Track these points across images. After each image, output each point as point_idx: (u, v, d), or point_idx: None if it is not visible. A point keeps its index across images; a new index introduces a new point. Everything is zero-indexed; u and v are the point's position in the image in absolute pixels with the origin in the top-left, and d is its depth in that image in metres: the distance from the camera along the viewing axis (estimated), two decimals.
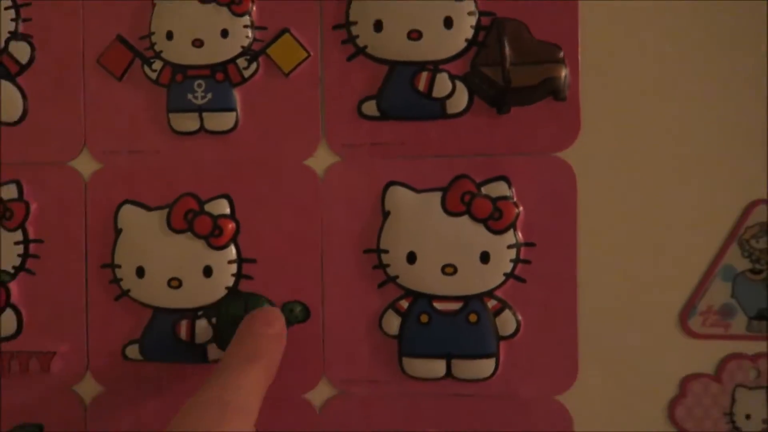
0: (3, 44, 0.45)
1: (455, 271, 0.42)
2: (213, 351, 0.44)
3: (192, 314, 0.44)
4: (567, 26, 0.42)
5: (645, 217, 0.42)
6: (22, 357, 0.46)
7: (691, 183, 0.41)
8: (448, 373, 0.43)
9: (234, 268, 0.44)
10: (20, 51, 0.45)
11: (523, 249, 0.42)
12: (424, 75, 0.43)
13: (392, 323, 0.43)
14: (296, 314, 0.44)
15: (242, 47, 0.44)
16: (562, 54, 0.42)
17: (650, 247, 0.42)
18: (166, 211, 0.44)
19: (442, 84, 0.42)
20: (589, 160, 0.42)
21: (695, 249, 0.42)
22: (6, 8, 0.45)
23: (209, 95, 0.44)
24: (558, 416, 0.43)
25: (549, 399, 0.43)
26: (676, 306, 0.42)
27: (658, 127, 0.42)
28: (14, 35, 0.46)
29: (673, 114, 0.42)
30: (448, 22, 0.42)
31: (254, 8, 0.44)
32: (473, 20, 0.42)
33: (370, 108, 0.43)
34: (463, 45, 0.42)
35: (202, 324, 0.44)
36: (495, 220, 0.42)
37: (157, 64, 0.44)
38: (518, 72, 0.42)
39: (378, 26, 0.43)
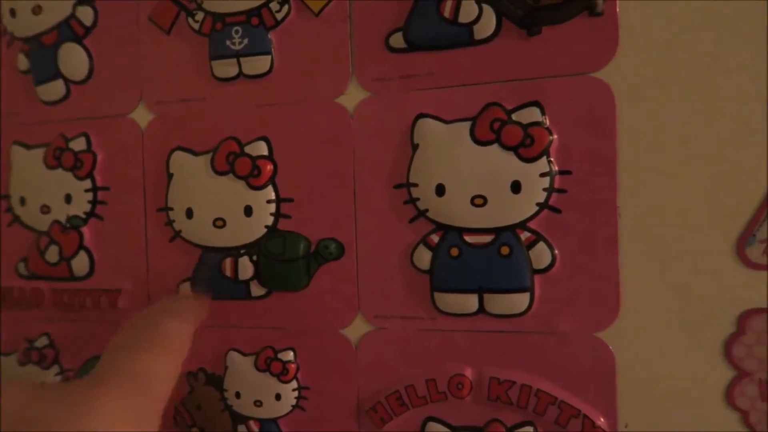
0: (71, 9, 0.49)
1: (485, 202, 0.41)
2: (255, 288, 0.46)
3: (235, 252, 0.46)
4: None
5: (693, 137, 0.38)
6: (94, 294, 0.50)
7: (746, 99, 0.37)
8: (481, 308, 0.41)
9: (272, 207, 0.45)
10: (85, 15, 0.50)
11: (558, 177, 0.40)
12: (450, 1, 0.41)
13: (423, 258, 0.43)
14: (331, 251, 0.44)
15: None
16: None
17: (700, 171, 0.38)
18: (210, 154, 0.46)
19: (468, 8, 0.41)
20: (629, 79, 0.39)
21: (752, 171, 0.37)
22: None
23: (246, 40, 0.45)
24: (599, 354, 0.40)
25: (589, 335, 0.40)
26: (732, 234, 0.38)
27: (705, 38, 0.37)
28: (80, 0, 0.49)
29: (723, 23, 0.37)
30: None
31: None
32: None
33: (398, 40, 0.43)
34: None
35: (244, 262, 0.46)
36: (526, 147, 0.40)
37: (199, 15, 0.47)
38: None
39: None
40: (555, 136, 0.40)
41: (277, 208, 0.45)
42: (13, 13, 0.51)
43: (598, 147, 0.40)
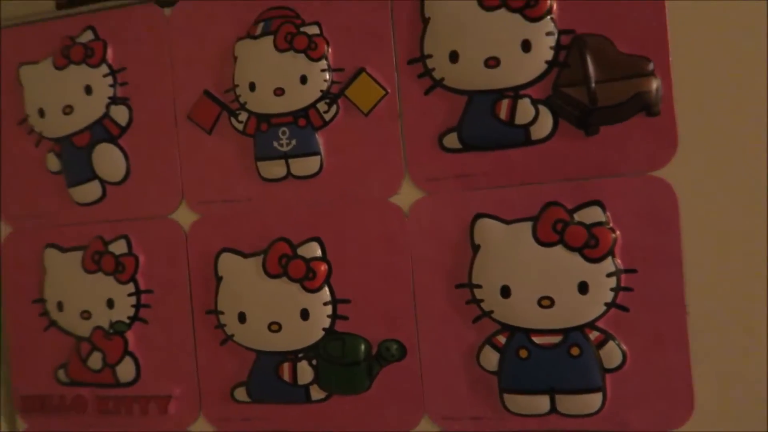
0: (104, 109, 0.48)
1: (552, 303, 0.41)
2: (316, 391, 0.45)
3: (293, 356, 0.45)
4: (655, 35, 0.39)
5: (754, 231, 0.38)
6: (142, 401, 0.48)
7: None
8: (553, 408, 0.41)
9: (329, 309, 0.45)
10: (120, 114, 0.48)
11: (623, 276, 0.40)
12: (505, 102, 0.41)
13: (490, 359, 0.42)
14: (393, 352, 0.44)
15: (321, 91, 0.44)
16: (651, 66, 0.39)
17: (764, 262, 0.38)
18: (261, 257, 0.45)
19: (525, 110, 0.41)
20: (690, 177, 0.39)
21: None
22: (104, 75, 0.48)
23: (293, 141, 0.45)
24: None
25: None
26: None
27: (762, 135, 0.38)
28: (113, 100, 0.48)
29: None
30: (526, 46, 0.41)
31: (330, 51, 0.44)
32: (552, 40, 0.40)
33: (452, 140, 0.43)
34: (543, 67, 0.41)
35: (303, 366, 0.45)
36: (591, 247, 0.40)
37: (243, 116, 0.46)
38: (605, 89, 0.40)
39: (454, 57, 0.42)
40: (618, 234, 0.40)
41: (334, 309, 0.45)
42: (41, 113, 0.49)
43: (662, 244, 0.40)
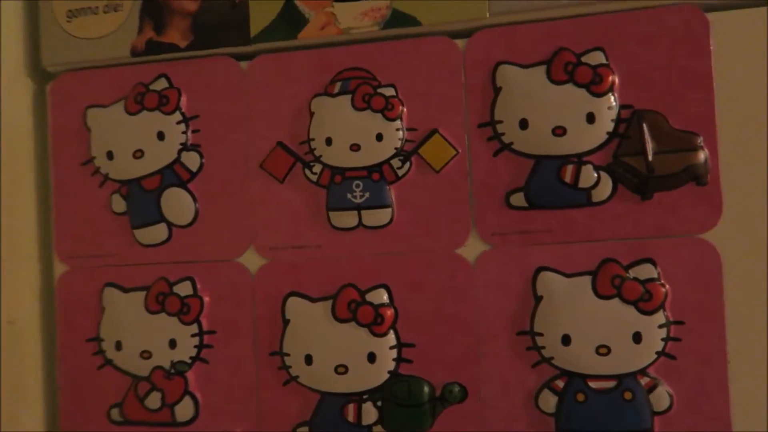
0: (176, 155, 0.50)
1: (609, 351, 0.44)
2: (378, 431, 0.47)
3: (358, 397, 0.47)
4: (704, 113, 0.45)
5: None
6: None
7: None
8: None
9: (395, 353, 0.47)
10: (191, 160, 0.50)
11: (672, 327, 0.45)
12: (570, 168, 0.46)
13: (549, 401, 0.46)
14: (455, 395, 0.47)
15: (395, 149, 0.47)
16: (701, 140, 0.45)
17: None
18: (329, 302, 0.48)
19: (588, 175, 0.45)
20: (733, 240, 0.44)
21: None
22: (177, 122, 0.50)
23: (367, 194, 0.48)
24: None
25: None
26: None
27: None
28: (185, 146, 0.50)
29: None
30: (591, 118, 0.45)
31: (404, 111, 0.48)
32: (613, 114, 0.45)
33: (519, 199, 0.46)
34: (604, 137, 0.45)
35: (368, 407, 0.47)
36: (645, 301, 0.44)
37: (317, 167, 0.48)
38: (660, 161, 0.45)
39: (524, 124, 0.46)
40: (668, 289, 0.45)
41: (399, 353, 0.47)
42: (110, 155, 0.51)
43: (707, 300, 0.45)
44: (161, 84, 0.51)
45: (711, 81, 0.45)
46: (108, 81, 0.52)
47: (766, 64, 0.44)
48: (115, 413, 0.51)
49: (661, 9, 0.46)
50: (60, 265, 0.53)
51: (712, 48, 0.45)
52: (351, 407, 0.47)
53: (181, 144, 0.50)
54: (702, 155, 0.44)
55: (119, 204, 0.51)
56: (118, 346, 0.50)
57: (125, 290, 0.51)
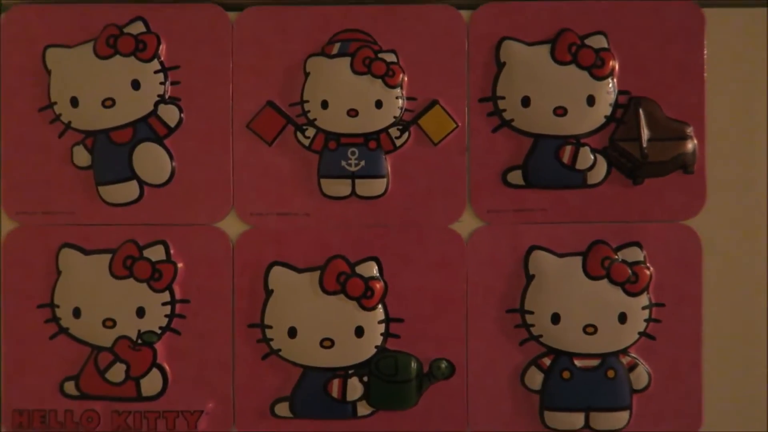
0: (152, 107, 0.46)
1: (596, 330, 0.45)
2: (362, 407, 0.46)
3: (343, 372, 0.46)
4: (695, 105, 0.46)
5: (765, 278, 0.46)
6: (169, 416, 0.46)
7: None
8: (586, 424, 0.46)
9: (383, 327, 0.46)
10: (169, 114, 0.46)
11: (654, 309, 0.46)
12: (569, 149, 0.46)
13: (535, 379, 0.46)
14: (443, 371, 0.46)
15: (394, 117, 0.46)
16: (690, 130, 0.46)
17: None
18: (317, 273, 0.46)
19: (585, 157, 0.46)
20: (714, 228, 0.46)
21: None
22: (155, 72, 0.46)
23: (362, 162, 0.46)
24: None
25: None
26: None
27: None
28: (163, 99, 0.46)
29: None
30: (591, 100, 0.46)
31: (405, 79, 0.46)
32: (611, 98, 0.46)
33: (516, 177, 0.46)
34: (602, 121, 0.46)
35: (353, 382, 0.46)
36: (632, 283, 0.46)
37: (310, 131, 0.46)
38: (654, 147, 0.46)
39: (526, 102, 0.46)
40: (652, 272, 0.46)
41: (387, 327, 0.46)
42: (74, 102, 0.46)
43: (686, 284, 0.47)
44: (138, 28, 0.46)
45: (703, 74, 0.46)
46: (72, 19, 0.47)
47: (757, 62, 0.46)
48: (69, 386, 0.46)
49: (661, 1, 0.46)
50: (7, 221, 0.47)
51: (705, 42, 0.46)
52: (336, 382, 0.46)
53: (159, 96, 0.46)
54: (691, 145, 0.46)
55: (82, 157, 0.46)
56: (76, 313, 0.46)
57: (86, 252, 0.46)
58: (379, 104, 0.46)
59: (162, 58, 0.46)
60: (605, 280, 0.46)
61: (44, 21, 0.47)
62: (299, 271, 0.46)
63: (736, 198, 0.47)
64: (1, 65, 0.47)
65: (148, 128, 0.46)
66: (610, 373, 0.46)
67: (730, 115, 0.47)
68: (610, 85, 0.46)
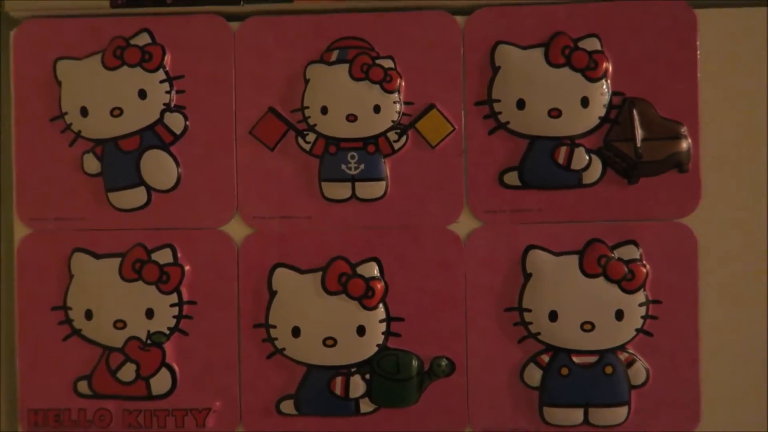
0: (159, 116, 0.47)
1: (593, 327, 0.46)
2: (365, 404, 0.47)
3: (346, 371, 0.47)
4: (688, 104, 0.47)
5: (760, 274, 0.47)
6: (178, 414, 0.48)
7: None
8: (585, 420, 0.47)
9: (384, 326, 0.47)
10: (174, 121, 0.48)
11: (650, 306, 0.47)
12: (564, 149, 0.47)
13: (534, 376, 0.47)
14: (443, 368, 0.47)
15: (392, 121, 0.47)
16: (684, 130, 0.47)
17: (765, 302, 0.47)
18: (319, 274, 0.47)
19: (580, 157, 0.47)
20: (709, 226, 0.47)
21: None
22: (161, 81, 0.48)
23: (362, 166, 0.47)
24: None
25: None
26: None
27: None
28: (168, 107, 0.48)
29: None
30: (585, 102, 0.46)
31: (402, 84, 0.47)
32: (605, 99, 0.47)
33: (512, 178, 0.47)
34: (596, 122, 0.47)
35: (356, 380, 0.47)
36: (628, 280, 0.46)
37: (311, 136, 0.47)
38: (648, 147, 0.47)
39: (521, 104, 0.47)
40: (648, 269, 0.47)
41: (388, 326, 0.47)
42: (84, 111, 0.47)
43: (683, 281, 0.47)
44: (143, 39, 0.48)
45: (696, 74, 0.47)
46: (81, 32, 0.49)
47: (750, 61, 0.47)
48: (82, 386, 0.48)
49: (653, 2, 0.47)
50: (21, 227, 0.49)
51: (698, 42, 0.47)
52: (339, 380, 0.47)
53: (165, 104, 0.48)
54: (685, 144, 0.47)
55: (92, 164, 0.48)
56: (88, 315, 0.47)
57: (97, 256, 0.48)
58: (377, 109, 0.47)
59: (167, 68, 0.48)
60: (602, 278, 0.46)
61: (55, 34, 0.49)
62: (302, 272, 0.47)
63: (731, 195, 0.47)
64: (13, 77, 0.49)
65: (154, 136, 0.48)
66: (608, 370, 0.47)
67: (724, 113, 0.47)
68: (604, 86, 0.47)
